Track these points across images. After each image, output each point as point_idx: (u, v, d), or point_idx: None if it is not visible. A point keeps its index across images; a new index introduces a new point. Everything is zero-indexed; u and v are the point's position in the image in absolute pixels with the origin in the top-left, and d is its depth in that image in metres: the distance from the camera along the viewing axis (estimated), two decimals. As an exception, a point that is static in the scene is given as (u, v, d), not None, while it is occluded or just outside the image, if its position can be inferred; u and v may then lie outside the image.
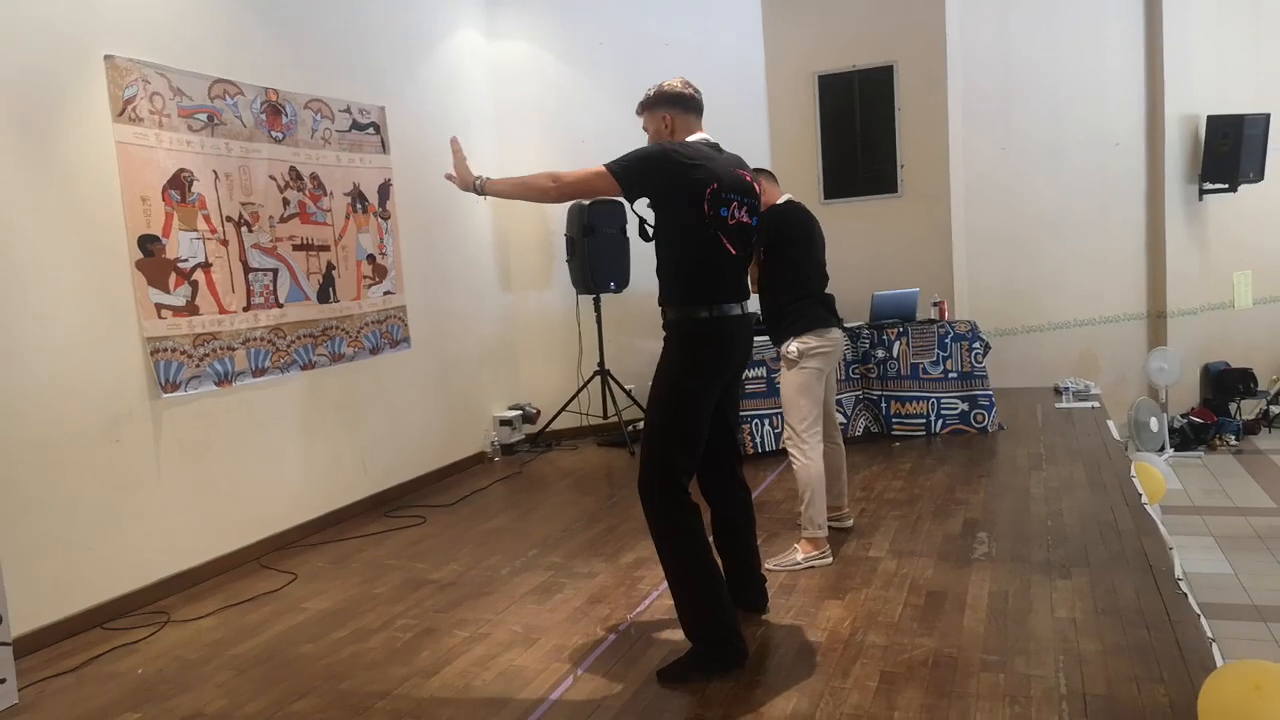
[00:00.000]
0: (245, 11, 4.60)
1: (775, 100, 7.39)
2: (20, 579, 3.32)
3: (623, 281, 6.53)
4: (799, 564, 3.85)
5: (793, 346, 3.87)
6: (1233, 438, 7.39)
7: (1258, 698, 2.20)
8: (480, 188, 3.07)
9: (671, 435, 2.96)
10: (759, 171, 3.99)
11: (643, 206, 3.04)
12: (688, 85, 3.19)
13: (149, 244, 4.03)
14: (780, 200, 4.09)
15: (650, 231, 3.10)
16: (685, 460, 2.97)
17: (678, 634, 3.11)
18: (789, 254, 3.98)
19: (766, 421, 5.91)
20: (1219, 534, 5.37)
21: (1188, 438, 7.38)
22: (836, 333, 4.00)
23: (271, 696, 3.04)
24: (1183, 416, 7.53)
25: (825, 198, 7.28)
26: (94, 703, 3.11)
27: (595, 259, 6.37)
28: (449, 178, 3.18)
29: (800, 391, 3.87)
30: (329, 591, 4.04)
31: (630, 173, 2.89)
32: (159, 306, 4.06)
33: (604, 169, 2.89)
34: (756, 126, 7.24)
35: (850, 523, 4.39)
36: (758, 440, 5.94)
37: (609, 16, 6.81)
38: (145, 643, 3.59)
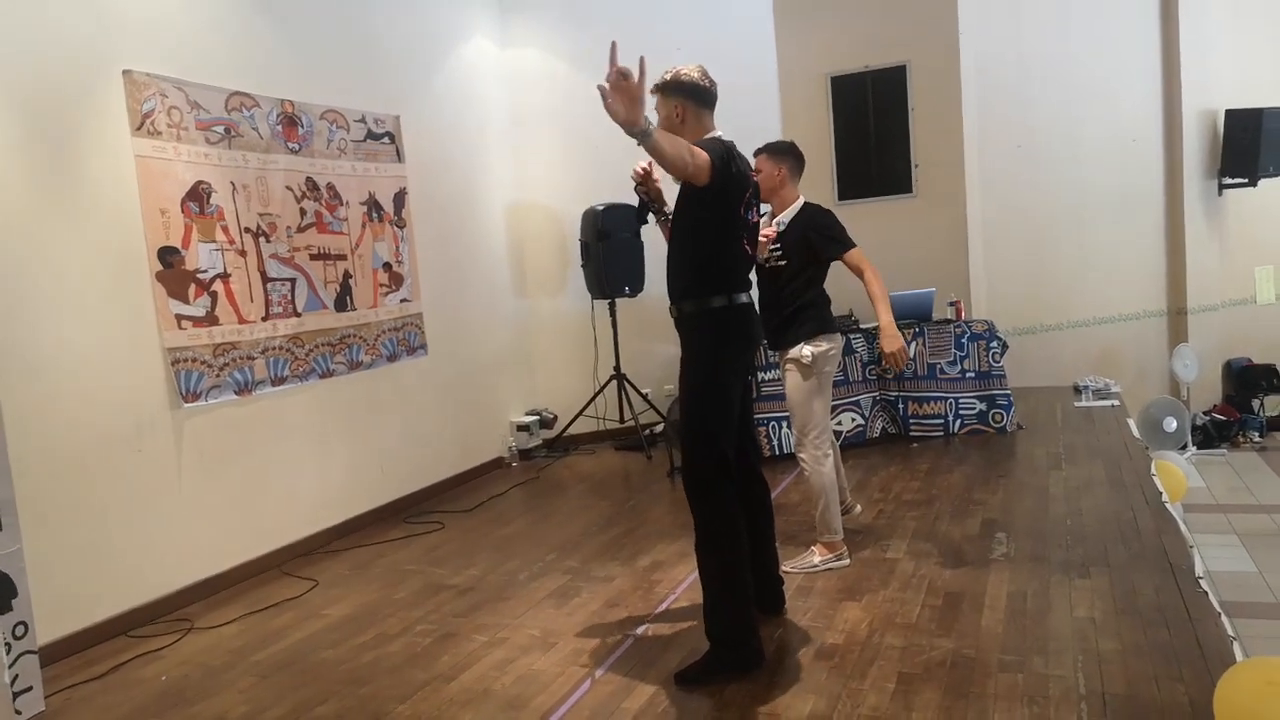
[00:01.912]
0: (261, 24, 4.66)
1: (788, 102, 7.38)
2: (46, 587, 3.36)
3: (637, 286, 6.54)
4: (816, 566, 3.85)
5: (806, 350, 3.80)
6: (1256, 434, 7.32)
7: (1272, 693, 2.18)
8: (646, 132, 2.64)
9: (712, 422, 3.00)
10: (786, 154, 3.96)
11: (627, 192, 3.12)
12: (705, 76, 3.11)
13: (169, 255, 4.08)
14: (801, 201, 4.00)
15: (651, 216, 3.23)
16: (728, 446, 3.01)
17: (695, 637, 3.12)
18: (822, 258, 3.94)
19: (785, 423, 5.90)
20: (1242, 531, 5.32)
21: (1210, 435, 7.31)
22: (840, 335, 4.00)
23: (293, 702, 3.08)
24: (1205, 414, 7.46)
25: (839, 199, 7.26)
26: (119, 709, 3.15)
27: (610, 263, 6.39)
28: (602, 91, 2.62)
29: (813, 396, 3.83)
30: (349, 597, 4.07)
31: (718, 167, 2.90)
32: (179, 317, 4.12)
33: (710, 159, 2.86)
34: (769, 128, 7.20)
35: (859, 510, 4.41)
36: (776, 442, 5.93)
37: (621, 22, 6.81)
38: (169, 649, 3.64)
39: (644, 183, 3.26)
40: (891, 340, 3.80)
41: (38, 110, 3.61)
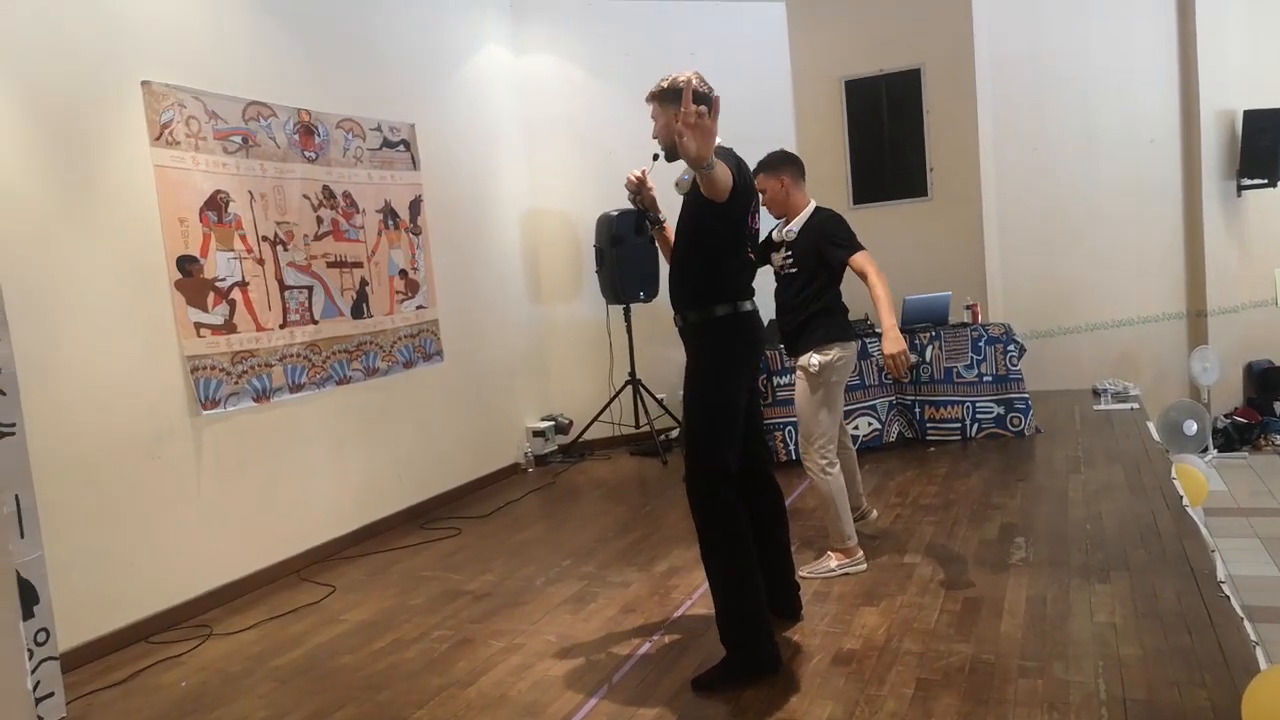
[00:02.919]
0: (277, 35, 4.70)
1: (802, 106, 7.39)
2: (66, 594, 3.37)
3: (652, 291, 6.55)
4: (833, 571, 3.83)
5: (815, 360, 3.75)
6: (1278, 437, 7.23)
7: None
8: (711, 165, 2.65)
9: (716, 429, 3.00)
10: (781, 163, 3.93)
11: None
12: (703, 82, 3.04)
13: (187, 264, 4.12)
14: (812, 206, 3.95)
15: (649, 225, 3.28)
16: (731, 453, 3.01)
17: (711, 642, 3.11)
18: (834, 264, 3.90)
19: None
20: (1265, 535, 5.25)
21: (1231, 438, 7.24)
22: (854, 341, 3.96)
23: (312, 707, 3.09)
24: (1226, 416, 7.39)
25: (854, 203, 7.26)
26: (139, 715, 3.17)
27: (624, 269, 6.39)
28: (679, 133, 2.58)
29: (820, 406, 3.78)
30: (367, 603, 4.09)
31: (736, 182, 2.89)
32: (198, 325, 4.15)
33: (731, 176, 2.85)
34: (784, 133, 7.23)
35: (875, 515, 4.40)
36: (791, 447, 5.91)
37: (634, 28, 6.85)
38: (189, 655, 3.66)
39: (638, 191, 3.25)
40: (893, 343, 3.65)
41: (58, 121, 3.66)
